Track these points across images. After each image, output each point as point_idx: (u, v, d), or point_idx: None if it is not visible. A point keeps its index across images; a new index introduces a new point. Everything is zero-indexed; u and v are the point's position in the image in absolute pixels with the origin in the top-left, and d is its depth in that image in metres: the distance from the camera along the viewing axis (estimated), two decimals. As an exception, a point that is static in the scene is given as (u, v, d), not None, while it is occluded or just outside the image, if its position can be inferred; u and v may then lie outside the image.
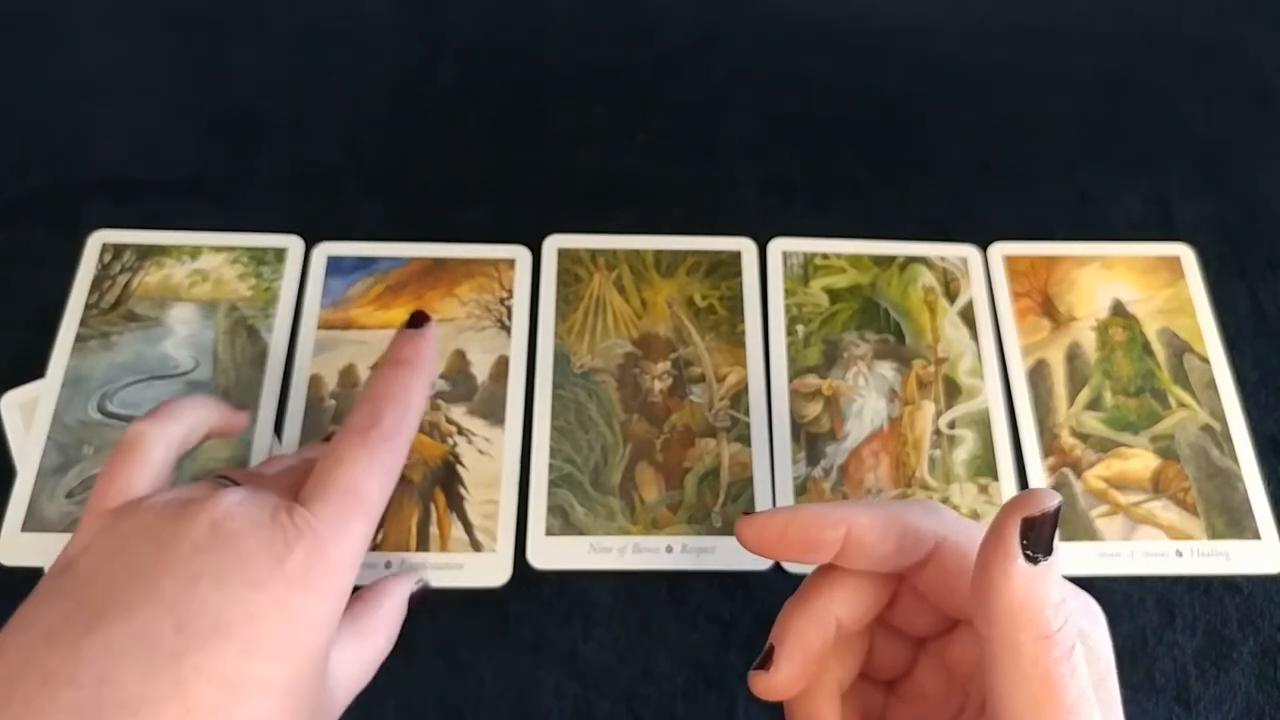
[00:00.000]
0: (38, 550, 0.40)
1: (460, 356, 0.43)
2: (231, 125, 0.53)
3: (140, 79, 0.55)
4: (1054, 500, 0.23)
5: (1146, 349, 0.47)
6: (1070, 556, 0.42)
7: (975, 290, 0.48)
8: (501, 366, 0.44)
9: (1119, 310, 0.48)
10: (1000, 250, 0.49)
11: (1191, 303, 0.48)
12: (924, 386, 0.46)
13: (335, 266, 0.46)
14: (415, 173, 0.51)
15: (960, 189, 0.52)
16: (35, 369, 0.45)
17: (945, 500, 0.43)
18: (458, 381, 0.43)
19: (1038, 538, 0.22)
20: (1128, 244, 0.50)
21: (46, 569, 0.30)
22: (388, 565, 0.40)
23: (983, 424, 0.45)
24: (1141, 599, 0.41)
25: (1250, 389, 0.46)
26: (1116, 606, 0.41)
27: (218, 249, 0.48)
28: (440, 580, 0.40)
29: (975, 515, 0.43)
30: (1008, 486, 0.43)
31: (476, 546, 0.40)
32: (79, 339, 0.45)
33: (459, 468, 0.42)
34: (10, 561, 0.40)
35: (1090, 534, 0.42)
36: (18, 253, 0.48)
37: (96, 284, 0.47)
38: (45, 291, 0.47)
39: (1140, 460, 0.44)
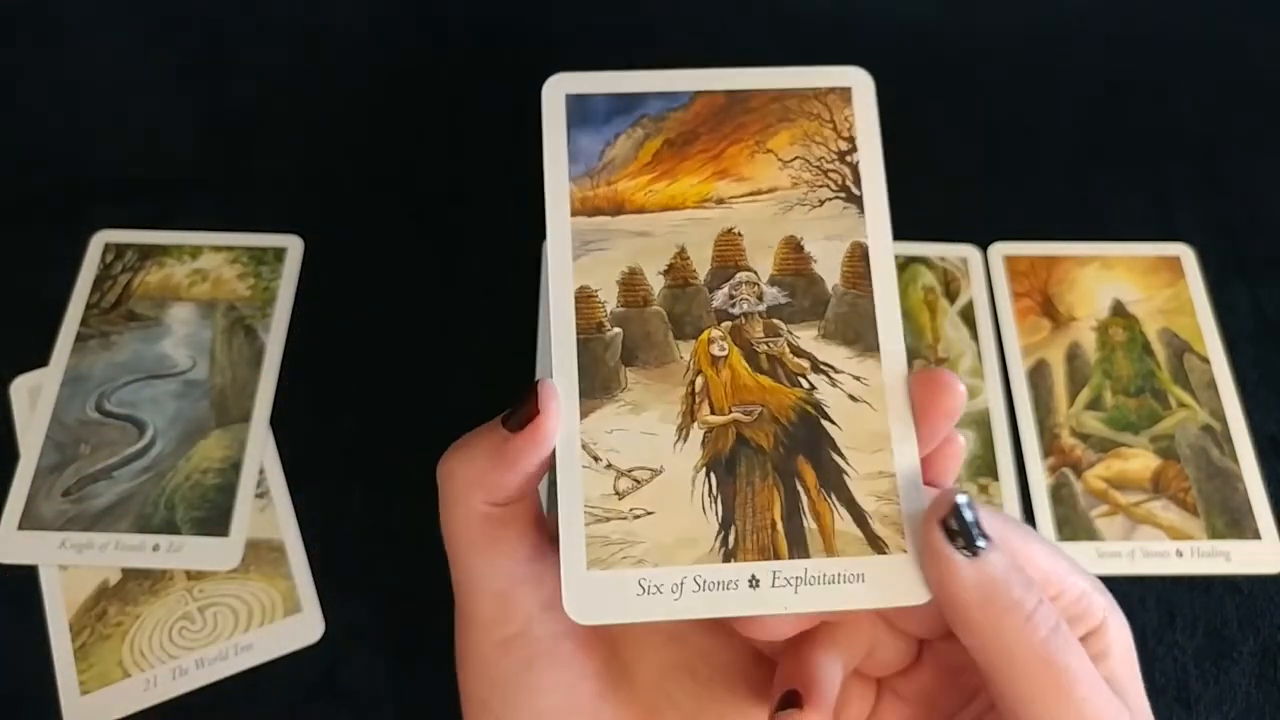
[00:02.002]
0: (34, 549, 0.40)
1: (795, 247, 0.28)
2: (232, 125, 0.53)
3: (140, 79, 0.55)
4: (955, 494, 0.24)
5: (1146, 349, 0.47)
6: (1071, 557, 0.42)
7: (975, 290, 0.48)
8: (859, 260, 0.28)
9: (1119, 310, 0.48)
10: (1000, 250, 0.49)
11: (1191, 303, 0.48)
12: (923, 386, 0.46)
13: (583, 113, 0.29)
14: (415, 172, 0.51)
15: (960, 189, 0.52)
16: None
17: (944, 500, 0.43)
18: (797, 288, 0.28)
19: (961, 531, 0.23)
20: (1128, 244, 0.50)
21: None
22: (753, 581, 0.24)
23: (983, 424, 0.45)
24: (1141, 599, 0.41)
25: (1250, 389, 0.46)
26: (1116, 607, 0.41)
27: (218, 248, 0.48)
28: (844, 602, 0.24)
29: (975, 515, 0.43)
30: (1008, 486, 0.43)
31: (878, 546, 0.25)
32: (79, 338, 0.45)
33: (827, 424, 0.26)
34: (7, 560, 0.40)
35: (1090, 534, 0.42)
36: (20, 253, 0.48)
37: (98, 284, 0.47)
38: (47, 291, 0.47)
39: (1140, 460, 0.44)
